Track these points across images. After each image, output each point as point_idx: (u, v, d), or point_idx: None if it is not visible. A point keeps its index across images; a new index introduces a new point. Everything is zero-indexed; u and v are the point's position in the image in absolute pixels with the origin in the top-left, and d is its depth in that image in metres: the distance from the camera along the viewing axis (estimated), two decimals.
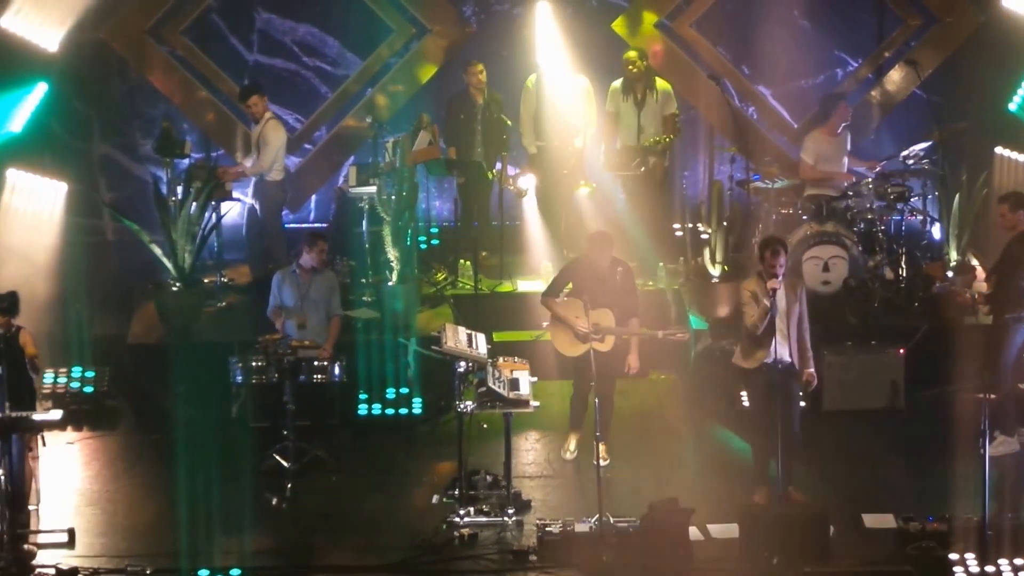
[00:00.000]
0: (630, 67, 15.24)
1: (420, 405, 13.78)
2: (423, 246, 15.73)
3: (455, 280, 15.26)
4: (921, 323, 14.16)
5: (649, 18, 16.66)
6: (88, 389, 13.95)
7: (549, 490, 12.31)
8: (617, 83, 15.41)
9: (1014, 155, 15.64)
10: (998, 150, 15.64)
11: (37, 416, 11.33)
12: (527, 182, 15.32)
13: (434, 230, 16.29)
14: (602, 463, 11.82)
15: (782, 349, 11.64)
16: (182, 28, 16.60)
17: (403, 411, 13.74)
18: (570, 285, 12.59)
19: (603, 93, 15.53)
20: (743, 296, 11.81)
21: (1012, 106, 15.84)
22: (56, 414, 11.48)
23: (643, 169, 15.15)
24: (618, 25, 16.66)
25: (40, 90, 15.49)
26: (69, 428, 13.41)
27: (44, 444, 11.88)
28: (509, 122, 15.37)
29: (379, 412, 13.70)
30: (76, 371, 13.97)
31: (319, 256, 13.31)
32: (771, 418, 11.50)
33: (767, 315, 11.54)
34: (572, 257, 13.78)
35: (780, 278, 11.58)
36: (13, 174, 15.49)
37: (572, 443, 12.83)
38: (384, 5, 16.65)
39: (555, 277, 12.81)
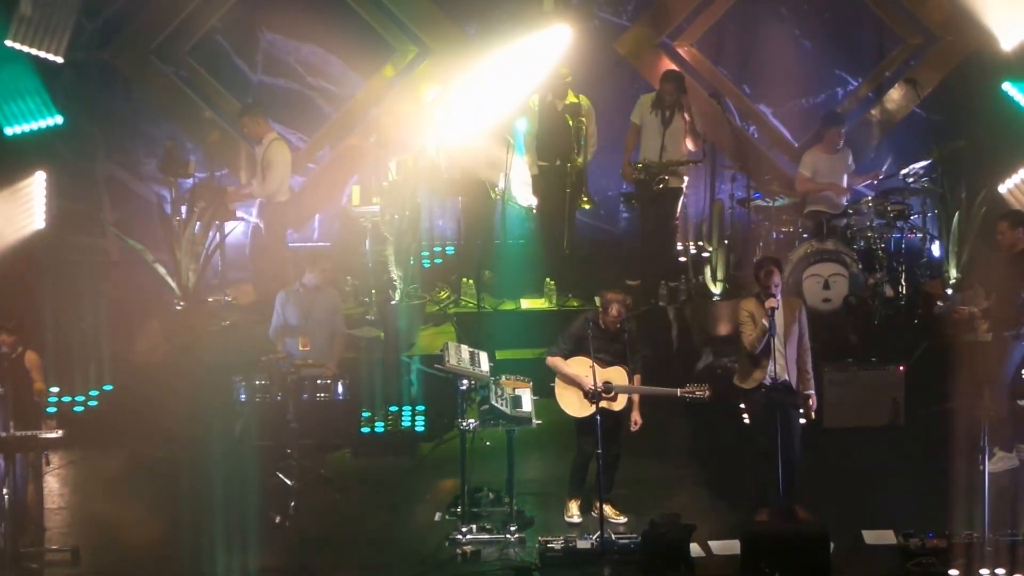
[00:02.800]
0: (667, 96, 15.25)
1: (423, 423, 13.83)
2: (426, 264, 15.80)
3: (458, 299, 15.32)
4: (921, 340, 14.21)
5: (651, 38, 16.74)
6: (92, 408, 14.01)
7: (551, 507, 12.35)
8: (648, 96, 15.44)
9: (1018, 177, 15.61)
10: (1002, 188, 15.54)
11: (41, 435, 11.38)
12: (529, 200, 15.42)
13: (436, 249, 16.35)
14: (618, 520, 11.88)
15: (780, 369, 11.68)
16: (187, 48, 16.65)
17: (405, 426, 13.79)
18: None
19: (602, 111, 15.61)
20: (741, 316, 11.86)
21: None
22: (60, 433, 11.52)
23: (661, 186, 15.18)
24: (620, 44, 16.73)
25: (52, 120, 15.51)
26: (73, 447, 13.45)
27: (48, 463, 11.93)
28: (511, 140, 15.43)
29: (382, 430, 13.74)
30: (81, 390, 14.02)
31: (322, 275, 13.38)
32: (771, 438, 11.55)
33: (765, 335, 11.60)
34: (582, 313, 12.73)
35: (777, 297, 11.65)
36: (40, 177, 15.50)
37: (574, 507, 12.16)
38: (387, 25, 16.72)
39: (564, 335, 12.13)
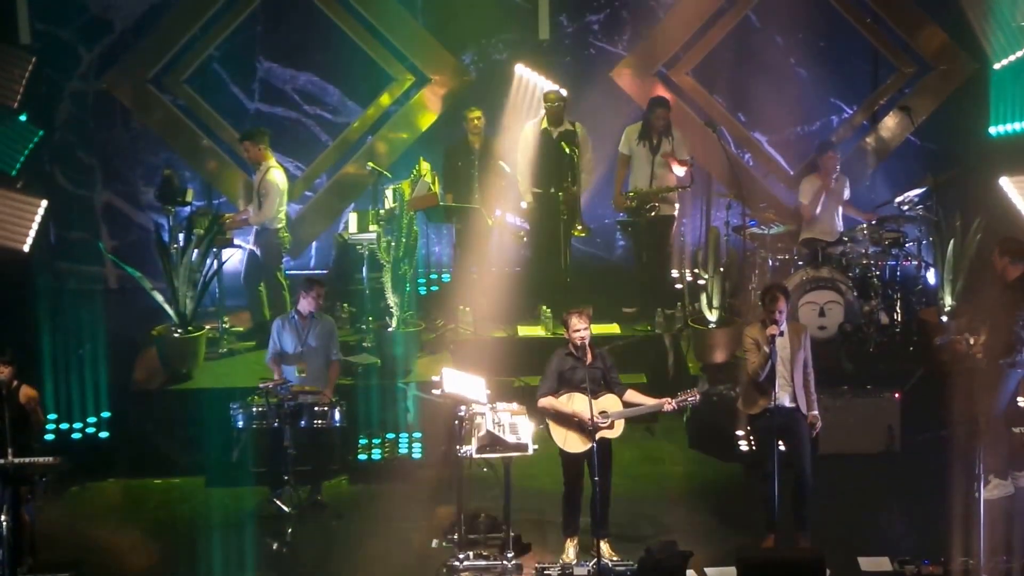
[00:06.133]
0: (660, 122, 15.30)
1: (419, 449, 13.85)
2: (423, 292, 15.83)
3: (454, 326, 15.33)
4: (916, 368, 14.23)
5: (647, 66, 16.80)
6: (90, 435, 14.03)
7: (548, 533, 12.36)
8: (634, 127, 15.48)
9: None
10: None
11: (38, 462, 11.39)
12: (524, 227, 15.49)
13: (433, 276, 16.40)
14: (612, 561, 11.62)
15: (783, 395, 11.66)
16: (184, 77, 16.70)
17: (402, 453, 13.80)
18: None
19: (598, 140, 15.67)
20: (745, 342, 11.86)
21: None
22: (57, 460, 11.53)
23: (653, 214, 15.21)
24: (616, 73, 16.79)
25: (35, 136, 15.49)
26: (70, 474, 13.43)
27: (46, 491, 11.94)
28: (507, 168, 15.48)
29: (379, 456, 13.77)
30: (78, 417, 14.04)
31: (316, 302, 13.41)
32: (776, 463, 11.49)
33: (767, 362, 11.60)
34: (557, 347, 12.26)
35: (781, 325, 11.64)
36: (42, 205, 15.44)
37: (571, 551, 11.87)
38: (384, 54, 16.78)
39: (545, 375, 11.91)
